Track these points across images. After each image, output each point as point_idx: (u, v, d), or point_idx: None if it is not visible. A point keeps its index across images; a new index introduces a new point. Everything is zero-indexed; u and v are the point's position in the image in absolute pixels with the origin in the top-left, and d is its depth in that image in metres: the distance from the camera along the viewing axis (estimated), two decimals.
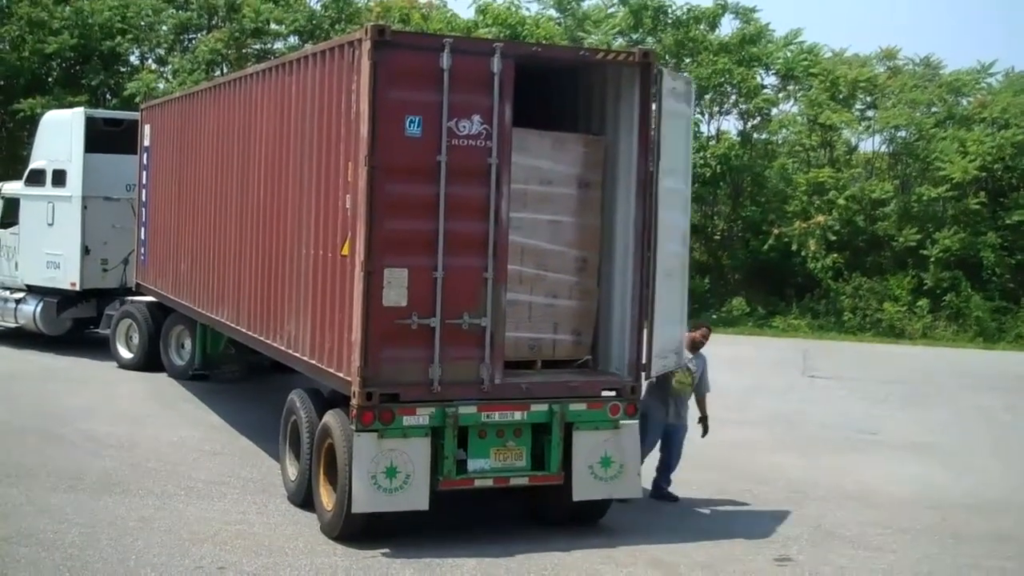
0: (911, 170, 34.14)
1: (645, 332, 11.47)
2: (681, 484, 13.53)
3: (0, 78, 36.85)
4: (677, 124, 11.58)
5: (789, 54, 35.01)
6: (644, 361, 11.46)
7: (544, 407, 10.98)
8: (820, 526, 12.32)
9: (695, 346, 13.08)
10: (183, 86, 31.52)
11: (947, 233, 31.00)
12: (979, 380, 23.61)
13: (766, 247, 32.38)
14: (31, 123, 30.40)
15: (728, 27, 35.54)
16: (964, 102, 34.22)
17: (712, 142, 34.21)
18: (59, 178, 21.81)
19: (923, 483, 14.53)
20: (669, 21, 34.91)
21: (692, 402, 13.16)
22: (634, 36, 34.86)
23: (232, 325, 15.07)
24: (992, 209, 31.87)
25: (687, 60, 34.78)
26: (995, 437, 17.95)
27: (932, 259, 30.94)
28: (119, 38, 37.49)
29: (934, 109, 33.87)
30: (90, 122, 21.79)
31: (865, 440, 17.15)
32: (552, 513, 11.64)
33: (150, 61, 39.85)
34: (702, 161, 32.74)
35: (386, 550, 10.64)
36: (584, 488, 11.15)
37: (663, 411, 12.86)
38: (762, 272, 33.31)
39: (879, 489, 14.09)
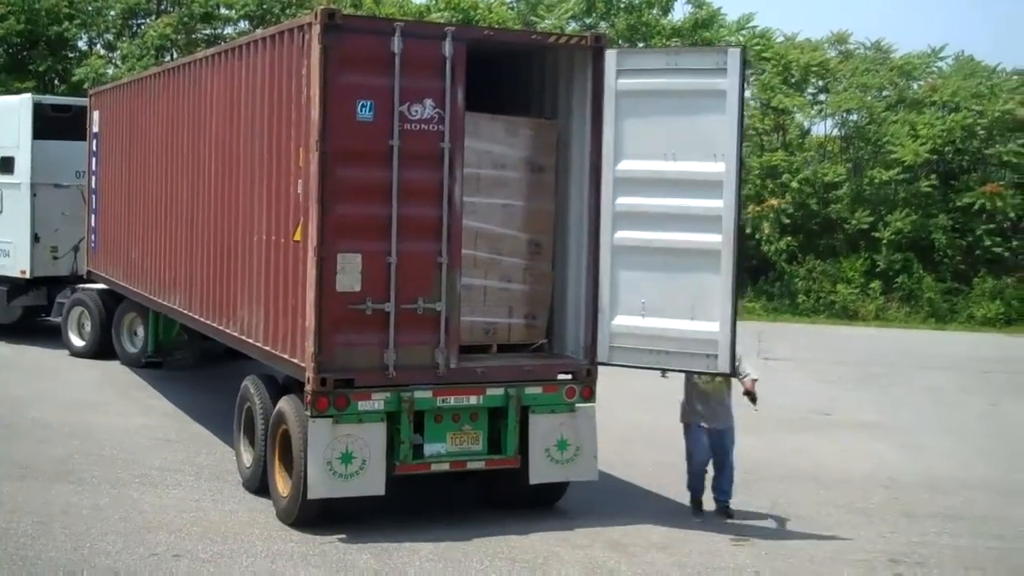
0: (863, 153, 34.33)
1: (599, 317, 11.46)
2: (636, 466, 13.58)
3: None
4: (656, 103, 11.26)
5: (741, 38, 35.10)
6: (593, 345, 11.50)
7: (500, 391, 10.98)
8: (775, 506, 12.41)
9: None
10: (132, 72, 31.23)
11: (899, 215, 31.22)
12: (931, 361, 23.83)
13: None
14: None
15: (681, 12, 35.75)
16: (915, 86, 34.44)
17: None
18: (7, 165, 21.56)
19: (876, 462, 14.66)
20: (622, 6, 34.96)
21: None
22: (587, 21, 34.86)
23: (185, 312, 14.97)
24: (943, 192, 32.12)
25: (640, 44, 34.80)
26: (947, 417, 18.12)
27: (884, 241, 31.16)
28: (66, 23, 37.09)
29: (885, 93, 34.07)
30: (38, 108, 21.55)
31: (819, 420, 17.28)
32: (509, 497, 11.65)
33: (98, 47, 39.47)
34: None
35: (343, 535, 10.62)
36: (541, 471, 11.16)
37: (699, 416, 12.03)
38: None
39: (833, 469, 14.20)
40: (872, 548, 11.06)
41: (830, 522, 11.91)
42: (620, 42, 34.06)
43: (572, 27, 34.15)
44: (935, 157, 31.95)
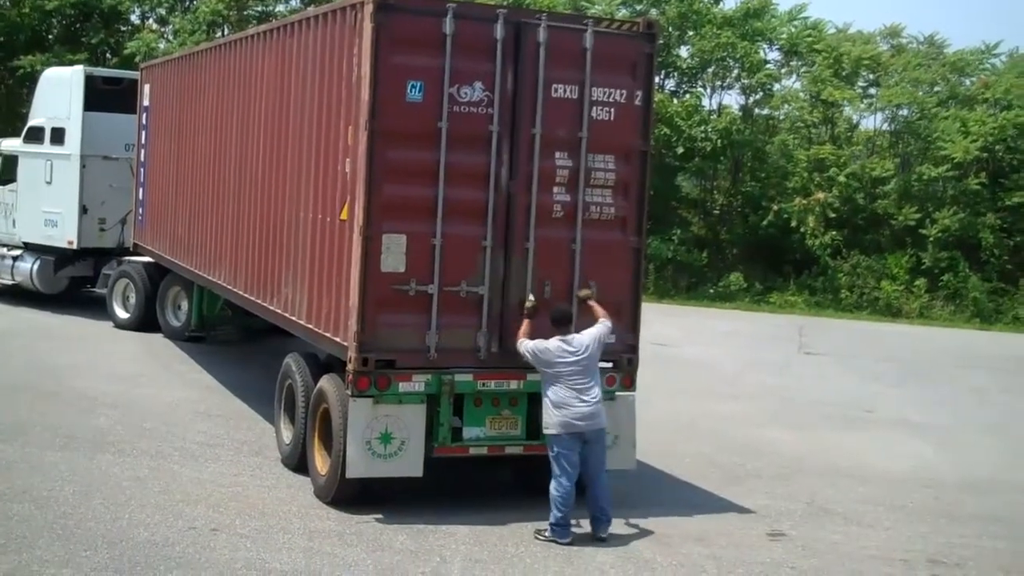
0: (912, 149, 34.06)
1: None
2: (674, 457, 13.55)
3: (0, 34, 36.61)
4: None
5: (793, 29, 34.91)
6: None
7: (540, 376, 10.95)
8: (813, 501, 12.34)
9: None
10: (183, 46, 31.37)
11: (946, 213, 30.96)
12: (975, 360, 23.63)
13: (765, 223, 32.34)
14: (31, 80, 30.27)
15: (732, 0, 35.44)
16: (967, 82, 34.17)
17: (713, 116, 34.11)
18: (58, 136, 21.72)
19: (917, 461, 14.55)
20: None
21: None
22: (638, 7, 34.71)
23: (229, 287, 15.04)
24: (992, 190, 31.82)
25: (690, 33, 34.63)
26: (989, 417, 17.97)
27: (931, 239, 30.91)
28: None
29: (937, 88, 33.78)
30: (89, 80, 21.69)
31: (859, 417, 17.16)
32: (544, 482, 11.62)
33: (151, 21, 39.70)
34: (703, 135, 32.67)
35: (379, 515, 10.65)
36: None
37: None
38: (760, 248, 33.28)
39: (873, 466, 14.10)
40: (911, 547, 10.98)
41: (869, 519, 11.83)
42: (670, 29, 33.91)
43: (622, 13, 33.99)
44: (985, 155, 31.64)
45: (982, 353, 24.76)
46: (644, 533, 10.79)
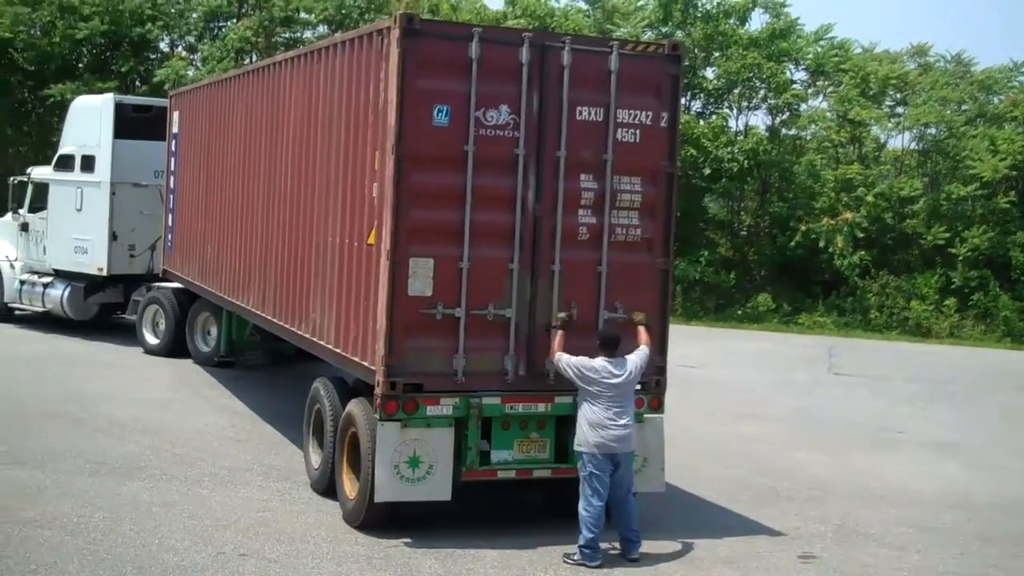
0: (940, 168, 33.89)
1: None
2: (704, 479, 13.49)
3: (31, 63, 36.94)
4: None
5: (819, 49, 34.82)
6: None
7: (568, 399, 10.92)
8: (844, 524, 12.26)
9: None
10: (212, 73, 31.58)
11: (976, 232, 30.78)
12: (1006, 380, 23.46)
13: (793, 243, 32.22)
14: (61, 108, 30.53)
15: (758, 21, 35.39)
16: (995, 100, 33.97)
17: (740, 136, 34.08)
18: (88, 163, 21.90)
19: (948, 482, 14.44)
20: (699, 15, 34.75)
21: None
22: (663, 29, 34.75)
23: (258, 312, 15.10)
24: (1022, 208, 31.63)
25: (716, 54, 34.62)
26: (1020, 437, 17.82)
27: (960, 258, 30.73)
28: (149, 25, 37.59)
29: (964, 107, 33.63)
30: (119, 108, 21.87)
31: (890, 438, 17.05)
32: (573, 505, 11.58)
33: (180, 48, 39.95)
34: (729, 156, 32.62)
35: (408, 540, 10.64)
36: None
37: None
38: (788, 268, 33.17)
39: (904, 488, 14.01)
40: (943, 569, 10.90)
41: (900, 541, 11.75)
42: (696, 51, 33.92)
43: (648, 35, 34.02)
44: (1014, 173, 31.46)
45: (1013, 372, 24.56)
46: (675, 556, 10.74)
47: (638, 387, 11.20)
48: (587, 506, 10.43)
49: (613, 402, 10.42)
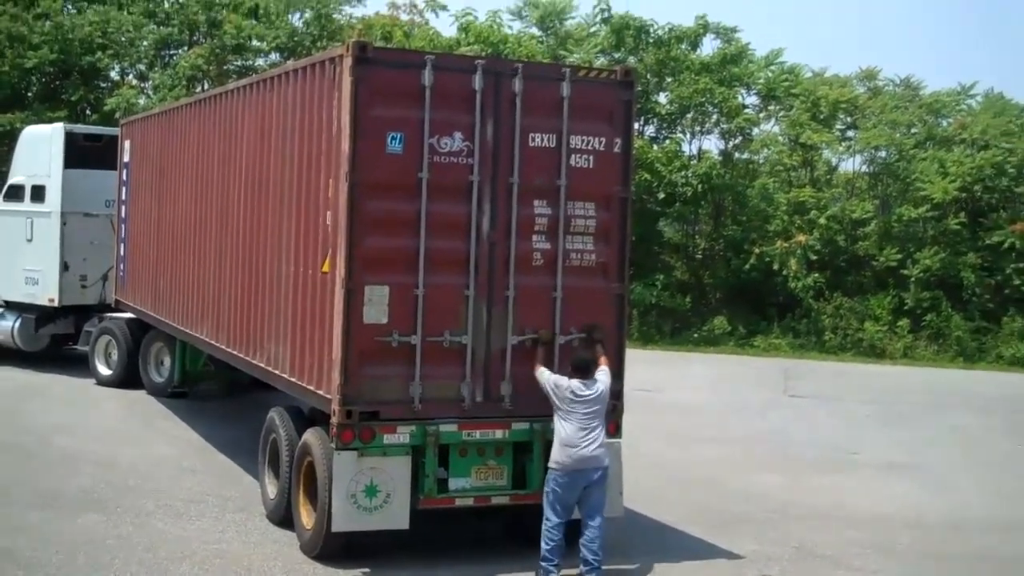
0: (891, 190, 34.23)
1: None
2: (662, 503, 13.50)
3: None
4: None
5: (770, 74, 35.10)
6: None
7: (525, 425, 10.93)
8: (801, 546, 12.30)
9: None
10: (163, 102, 31.44)
11: (927, 253, 31.06)
12: (959, 400, 23.64)
13: (747, 266, 32.40)
14: (10, 138, 30.30)
15: (709, 47, 35.65)
16: (944, 123, 34.37)
17: (693, 161, 34.28)
18: (38, 194, 21.70)
19: (903, 502, 14.52)
20: (651, 40, 34.94)
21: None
22: (616, 55, 34.93)
23: (212, 342, 14.99)
24: (972, 230, 31.95)
25: (668, 79, 34.84)
26: (974, 457, 17.97)
27: (912, 279, 30.99)
28: (99, 53, 37.47)
29: (914, 130, 33.98)
30: (70, 137, 21.70)
31: (846, 459, 17.14)
32: (533, 532, 11.55)
33: (130, 76, 39.82)
34: (683, 180, 32.79)
35: (366, 569, 10.59)
36: None
37: None
38: (743, 291, 33.34)
39: (859, 508, 14.08)
40: None
41: (857, 562, 11.80)
42: (648, 76, 34.10)
43: (601, 61, 34.19)
44: (964, 195, 31.78)
45: (966, 392, 24.76)
46: None
47: None
48: (545, 520, 10.50)
49: (583, 421, 10.45)
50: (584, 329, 11.12)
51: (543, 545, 10.44)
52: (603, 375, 10.74)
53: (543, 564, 10.43)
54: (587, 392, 10.52)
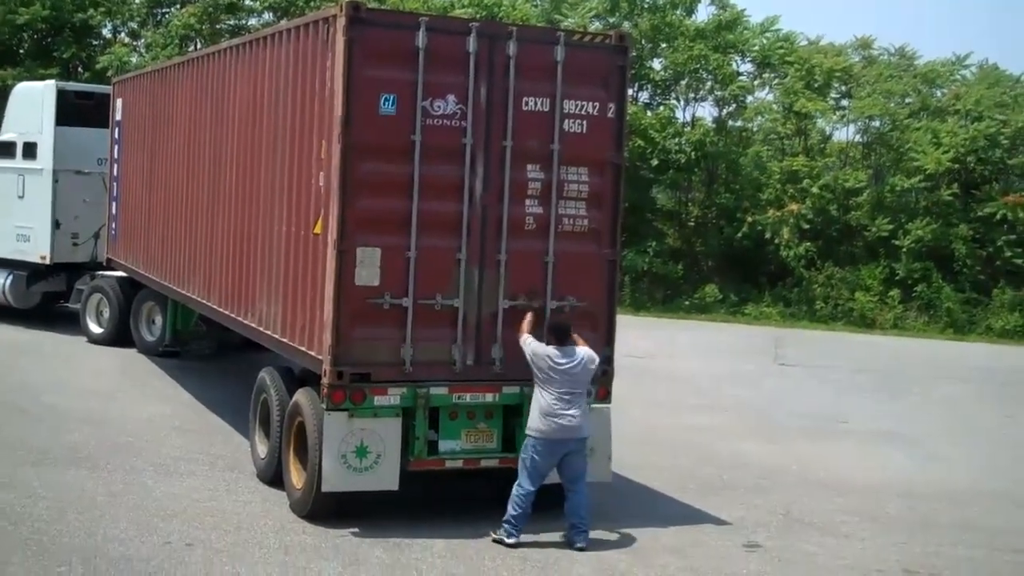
0: (885, 160, 34.19)
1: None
2: (650, 469, 13.55)
3: None
4: None
5: (765, 41, 34.99)
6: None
7: (516, 389, 10.95)
8: (789, 513, 12.35)
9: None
10: (156, 60, 31.29)
11: (919, 224, 31.05)
12: (948, 371, 23.73)
13: (740, 234, 32.40)
14: (2, 94, 30.11)
15: (704, 13, 35.54)
16: (938, 93, 34.30)
17: (687, 128, 34.22)
18: (30, 150, 21.64)
19: (892, 471, 14.59)
20: (645, 6, 34.83)
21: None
22: (611, 20, 34.79)
23: (203, 302, 14.99)
24: (964, 201, 31.97)
25: (663, 45, 34.73)
26: (963, 427, 18.04)
27: (904, 249, 31.01)
28: (92, 10, 37.23)
29: (908, 100, 33.89)
30: (62, 95, 21.64)
31: (835, 428, 17.20)
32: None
33: (123, 35, 39.60)
34: (677, 147, 32.75)
35: (355, 529, 10.61)
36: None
37: None
38: (735, 259, 33.35)
39: (848, 477, 14.14)
40: (887, 557, 11.00)
41: (845, 530, 11.86)
42: (643, 42, 34.00)
43: (595, 26, 34.07)
44: (957, 166, 31.76)
45: (956, 363, 24.85)
46: (621, 545, 10.79)
47: None
48: (517, 485, 10.56)
49: (562, 390, 10.46)
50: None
51: (511, 509, 10.51)
52: (587, 349, 10.75)
53: (506, 526, 10.52)
54: (564, 361, 10.51)
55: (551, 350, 10.55)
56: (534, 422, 10.53)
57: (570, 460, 10.61)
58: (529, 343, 10.67)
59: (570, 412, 10.47)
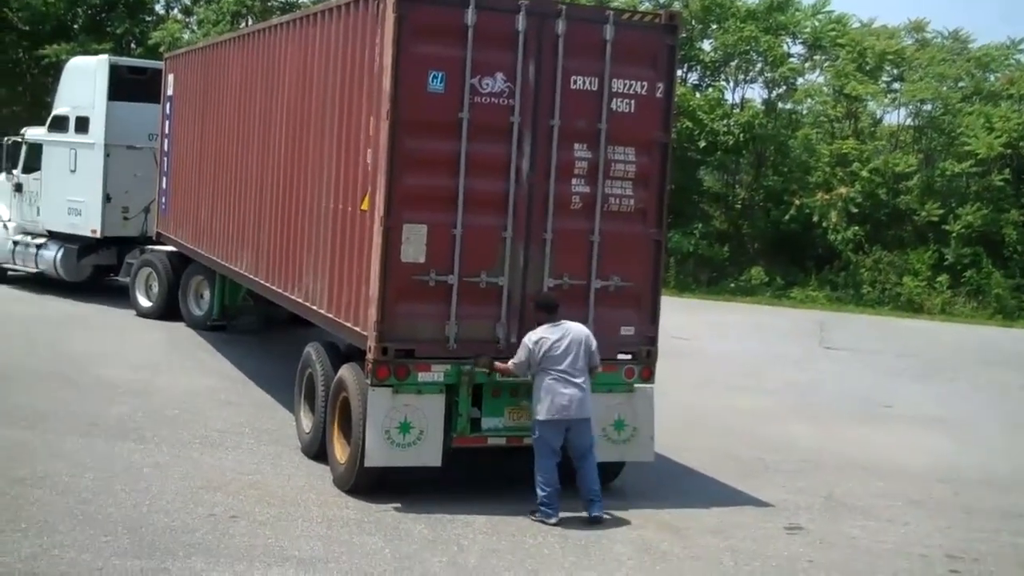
0: (936, 144, 33.86)
1: None
2: (692, 450, 13.55)
3: (26, 24, 36.83)
4: None
5: (817, 23, 34.73)
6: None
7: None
8: (831, 496, 12.32)
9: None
10: (207, 37, 31.46)
11: (970, 209, 30.77)
12: (996, 357, 23.54)
13: (787, 217, 32.23)
14: (55, 69, 30.40)
15: None
16: (992, 77, 33.92)
17: (736, 110, 34.04)
18: (82, 125, 21.84)
19: (936, 456, 14.50)
20: None
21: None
22: (661, 0, 34.62)
23: (251, 276, 15.11)
24: (1016, 186, 31.64)
25: (713, 26, 34.54)
26: (1010, 413, 17.90)
27: (954, 235, 30.75)
28: None
29: (961, 84, 33.56)
30: (114, 70, 21.81)
31: (879, 412, 17.12)
32: (564, 474, 11.64)
33: (175, 11, 39.87)
34: (725, 128, 32.59)
35: (398, 504, 10.69)
36: (597, 450, 11.14)
37: None
38: (782, 242, 33.19)
39: (892, 461, 14.07)
40: (929, 542, 10.96)
41: (887, 514, 11.81)
42: (693, 23, 33.83)
43: (645, 5, 33.94)
44: (1009, 151, 31.42)
45: (1004, 350, 24.64)
46: (662, 525, 10.80)
47: (628, 356, 11.29)
48: (537, 467, 10.62)
49: (559, 367, 10.48)
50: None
51: (540, 492, 10.55)
52: (578, 325, 10.74)
53: (542, 508, 10.56)
54: (554, 337, 10.52)
55: (541, 331, 10.56)
56: (535, 404, 10.61)
57: (573, 437, 10.66)
58: (522, 345, 10.61)
59: (568, 391, 10.49)
